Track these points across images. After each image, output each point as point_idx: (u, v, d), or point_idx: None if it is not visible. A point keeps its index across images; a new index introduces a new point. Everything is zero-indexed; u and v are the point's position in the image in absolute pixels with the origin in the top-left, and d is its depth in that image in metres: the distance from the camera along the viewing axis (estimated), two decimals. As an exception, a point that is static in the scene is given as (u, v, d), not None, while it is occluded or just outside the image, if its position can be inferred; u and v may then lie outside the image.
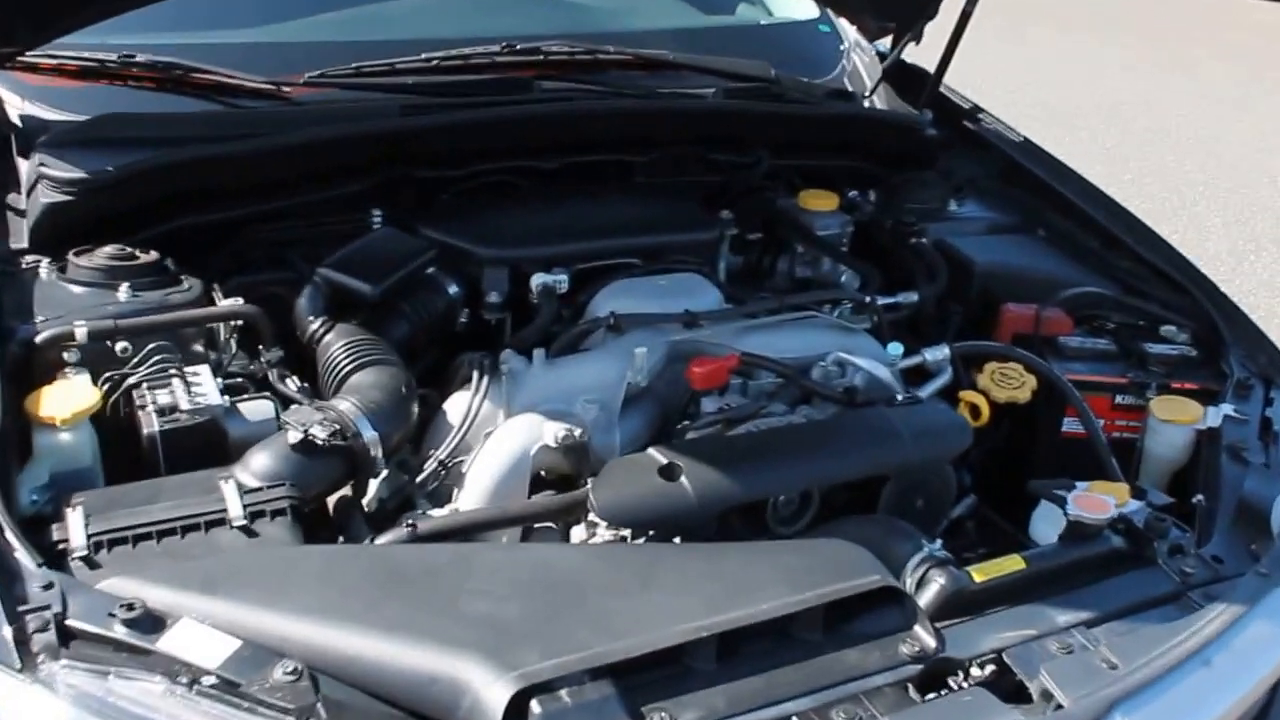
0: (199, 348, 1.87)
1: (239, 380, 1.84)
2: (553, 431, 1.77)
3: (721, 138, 2.45)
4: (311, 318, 1.94)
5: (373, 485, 1.77)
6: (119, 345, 1.77)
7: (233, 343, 1.91)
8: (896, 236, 2.41)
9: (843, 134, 2.58)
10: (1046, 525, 1.82)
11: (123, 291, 1.86)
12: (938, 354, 2.06)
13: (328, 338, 1.90)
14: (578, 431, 1.77)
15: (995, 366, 2.07)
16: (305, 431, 1.63)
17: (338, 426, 1.66)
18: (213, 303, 1.92)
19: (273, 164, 2.12)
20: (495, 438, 1.79)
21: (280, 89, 2.24)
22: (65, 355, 1.74)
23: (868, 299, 2.16)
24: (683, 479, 1.62)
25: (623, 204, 2.32)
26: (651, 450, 1.68)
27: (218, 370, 1.82)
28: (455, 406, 1.86)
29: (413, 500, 1.77)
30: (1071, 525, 1.62)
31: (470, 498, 1.75)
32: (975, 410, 1.98)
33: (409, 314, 2.02)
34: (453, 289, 2.08)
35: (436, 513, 1.70)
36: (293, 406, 1.74)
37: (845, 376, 1.99)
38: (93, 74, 2.20)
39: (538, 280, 2.06)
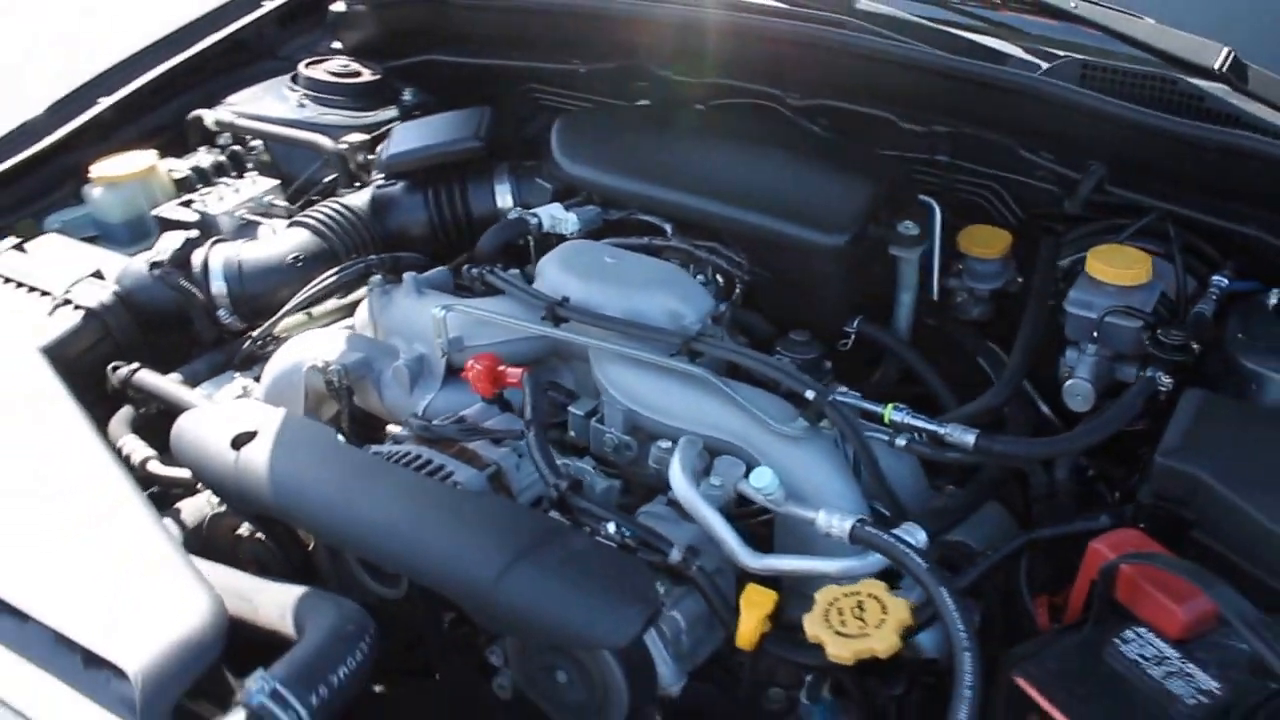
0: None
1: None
2: (315, 357, 1.58)
3: (1054, 133, 1.63)
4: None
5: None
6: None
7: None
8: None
9: None
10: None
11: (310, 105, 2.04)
12: None
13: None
14: (334, 370, 1.55)
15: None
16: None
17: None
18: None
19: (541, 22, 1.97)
20: (288, 344, 1.66)
21: None
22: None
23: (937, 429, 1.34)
24: None
25: (792, 162, 1.68)
26: None
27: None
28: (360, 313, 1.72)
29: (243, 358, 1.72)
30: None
31: (259, 390, 1.67)
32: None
33: (430, 203, 1.84)
34: (503, 192, 1.83)
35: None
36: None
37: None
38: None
39: (524, 211, 1.74)
